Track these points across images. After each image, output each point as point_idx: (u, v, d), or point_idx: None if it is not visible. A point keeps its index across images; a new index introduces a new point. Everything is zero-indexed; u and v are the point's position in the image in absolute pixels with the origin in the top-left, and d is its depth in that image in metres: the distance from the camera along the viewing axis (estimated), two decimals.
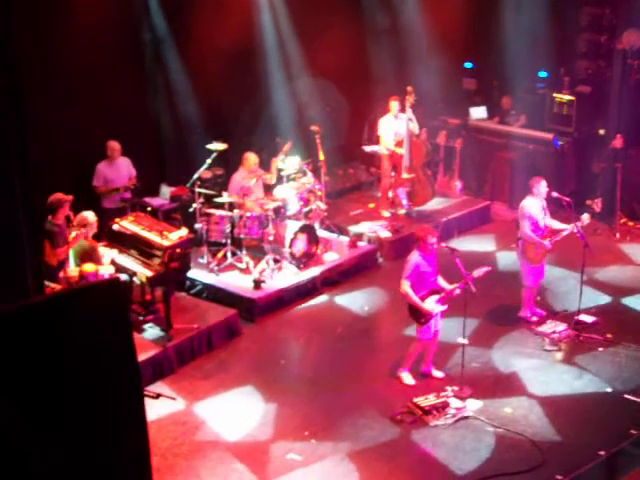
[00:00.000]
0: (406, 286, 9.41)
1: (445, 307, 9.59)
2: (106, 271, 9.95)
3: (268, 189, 13.11)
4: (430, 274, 9.52)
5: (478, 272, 9.47)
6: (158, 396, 9.28)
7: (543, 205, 10.98)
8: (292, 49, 14.85)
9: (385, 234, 13.65)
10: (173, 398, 9.24)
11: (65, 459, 4.34)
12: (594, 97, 15.38)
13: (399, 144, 13.96)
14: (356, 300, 12.23)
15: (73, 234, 10.22)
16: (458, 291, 9.48)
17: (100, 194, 12.19)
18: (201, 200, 12.38)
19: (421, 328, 9.60)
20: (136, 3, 13.10)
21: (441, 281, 9.66)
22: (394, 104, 13.91)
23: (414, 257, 9.49)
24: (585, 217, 11.00)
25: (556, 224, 11.02)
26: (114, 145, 12.21)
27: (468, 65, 17.18)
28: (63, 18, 11.84)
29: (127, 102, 12.83)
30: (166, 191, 13.09)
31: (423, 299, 9.44)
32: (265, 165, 13.14)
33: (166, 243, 10.31)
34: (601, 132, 15.19)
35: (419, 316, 9.50)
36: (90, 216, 10.36)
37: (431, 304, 9.47)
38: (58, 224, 10.30)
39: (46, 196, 10.27)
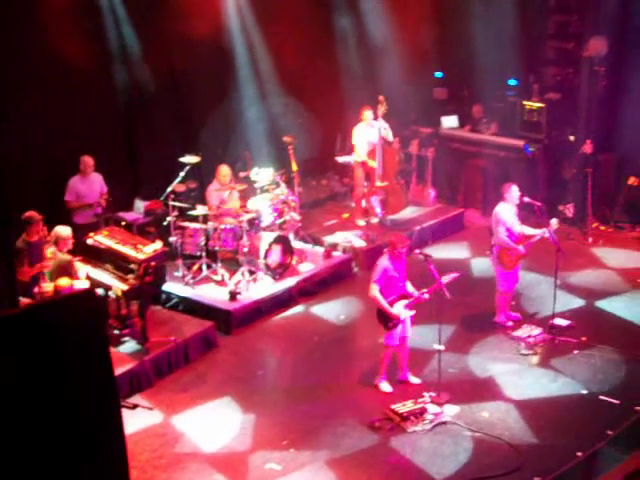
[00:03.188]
0: (375, 290, 9.47)
1: (413, 312, 9.66)
2: (81, 286, 9.92)
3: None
4: (398, 279, 9.58)
5: (447, 277, 9.54)
6: (135, 406, 9.31)
7: (515, 211, 11.08)
8: (263, 61, 14.93)
9: (360, 243, 13.71)
10: (150, 408, 9.24)
11: (42, 472, 4.33)
12: (563, 104, 15.54)
13: (371, 153, 14.00)
14: (332, 309, 12.27)
15: (49, 250, 10.18)
16: (427, 296, 9.56)
17: (71, 209, 12.09)
18: (175, 213, 12.37)
19: (388, 334, 9.65)
20: (105, 17, 13.08)
21: (409, 287, 9.73)
22: (367, 113, 13.97)
23: (383, 261, 9.57)
24: (554, 222, 11.03)
25: (527, 230, 11.12)
26: (88, 160, 12.14)
27: (438, 75, 17.30)
28: (37, 32, 11.85)
29: (99, 117, 12.85)
30: (140, 205, 13.08)
31: (392, 304, 9.50)
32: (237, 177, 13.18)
33: (141, 256, 10.31)
34: (571, 138, 15.33)
35: (387, 321, 9.55)
36: (65, 231, 10.32)
37: (399, 309, 9.53)
38: (30, 241, 10.25)
39: (18, 213, 10.22)
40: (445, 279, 9.48)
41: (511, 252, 10.93)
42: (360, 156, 14.13)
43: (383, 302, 9.47)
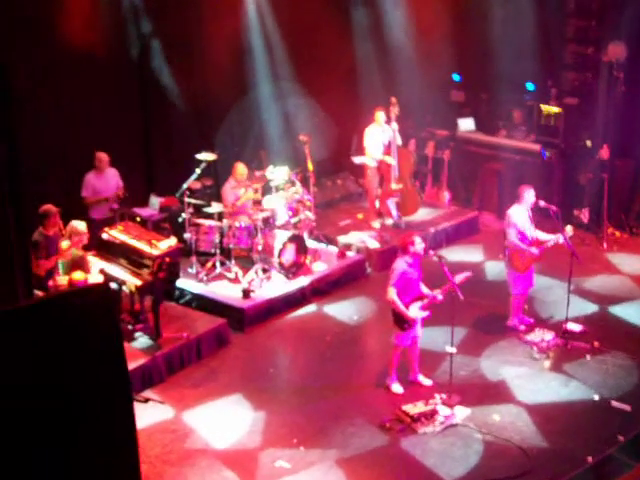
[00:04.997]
0: (393, 293, 9.46)
1: (427, 313, 9.65)
2: (95, 280, 9.97)
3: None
4: (415, 281, 9.59)
5: (460, 277, 9.53)
6: (147, 400, 9.35)
7: (529, 215, 11.04)
8: (281, 60, 14.92)
9: (373, 244, 13.70)
10: (162, 402, 9.27)
11: (53, 466, 4.35)
12: (581, 108, 15.46)
13: (387, 152, 13.97)
14: (345, 309, 12.27)
15: (65, 244, 10.24)
16: (441, 297, 9.54)
17: (88, 205, 12.13)
18: (190, 210, 12.41)
19: (400, 334, 9.65)
20: (124, 12, 13.13)
21: (423, 288, 9.72)
22: (380, 114, 13.89)
23: (400, 264, 9.54)
24: (568, 229, 11.00)
25: (542, 235, 11.08)
26: (102, 156, 12.15)
27: (456, 77, 17.26)
28: (53, 27, 11.90)
29: (116, 113, 12.90)
30: (155, 201, 13.10)
31: (407, 306, 9.49)
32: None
33: (155, 252, 10.34)
34: (588, 143, 15.26)
35: (402, 322, 9.55)
36: (80, 226, 10.37)
37: (415, 311, 9.53)
38: (47, 235, 10.32)
39: (36, 207, 10.28)
40: (458, 278, 9.48)
41: (523, 254, 10.90)
42: (373, 158, 14.10)
43: (401, 305, 9.46)
